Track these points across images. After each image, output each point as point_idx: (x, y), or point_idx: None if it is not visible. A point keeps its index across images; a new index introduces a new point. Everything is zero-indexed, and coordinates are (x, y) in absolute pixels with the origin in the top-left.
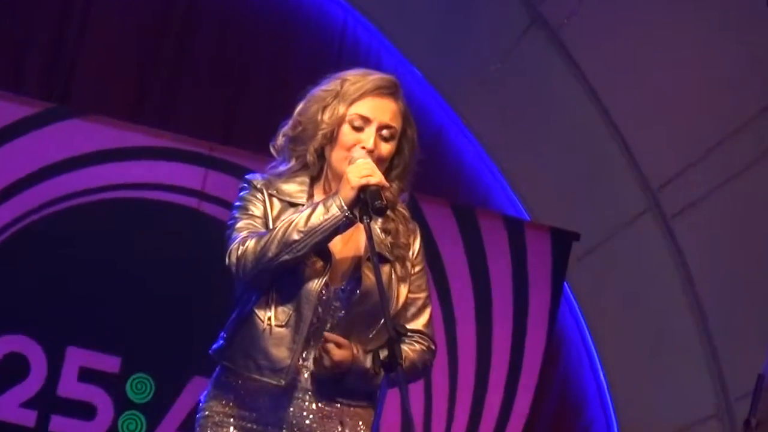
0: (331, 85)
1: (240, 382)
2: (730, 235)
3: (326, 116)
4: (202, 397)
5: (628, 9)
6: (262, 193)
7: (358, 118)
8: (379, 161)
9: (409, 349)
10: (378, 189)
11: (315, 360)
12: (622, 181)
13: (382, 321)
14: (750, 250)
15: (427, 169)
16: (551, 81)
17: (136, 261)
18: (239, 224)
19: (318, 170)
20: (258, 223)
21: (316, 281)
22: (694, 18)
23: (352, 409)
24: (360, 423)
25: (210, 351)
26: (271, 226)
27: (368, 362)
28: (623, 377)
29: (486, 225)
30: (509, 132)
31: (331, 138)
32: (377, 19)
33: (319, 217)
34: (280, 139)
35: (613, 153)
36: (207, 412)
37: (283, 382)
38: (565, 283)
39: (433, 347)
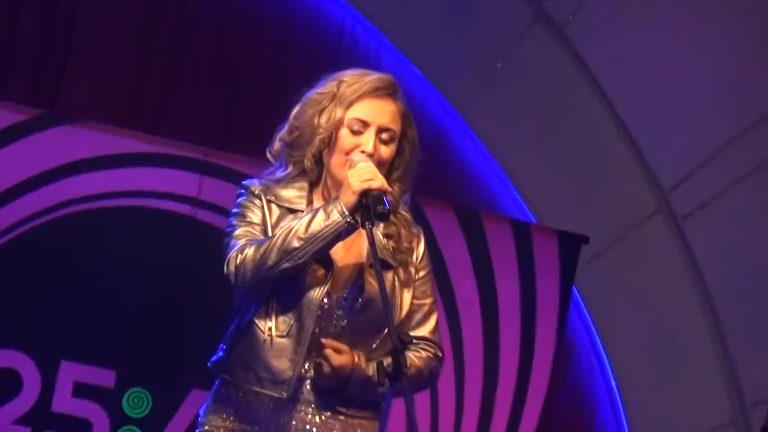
0: (327, 87)
1: (240, 395)
2: (742, 236)
3: (323, 120)
4: (201, 411)
5: (635, 3)
6: (260, 200)
7: (357, 121)
8: (379, 164)
9: (415, 357)
10: (380, 193)
11: (315, 368)
12: (632, 182)
13: (386, 330)
14: (764, 251)
15: (429, 171)
16: (556, 79)
17: (131, 271)
18: (237, 232)
19: (317, 176)
20: (256, 231)
21: (317, 290)
22: (703, 14)
23: (356, 420)
24: None
25: (209, 363)
26: (270, 234)
27: (371, 370)
28: (635, 384)
29: (491, 229)
30: (514, 132)
31: (329, 142)
32: (376, 18)
33: (319, 223)
34: (277, 144)
35: (622, 153)
36: (206, 427)
37: (284, 395)
38: (574, 288)
39: (440, 354)
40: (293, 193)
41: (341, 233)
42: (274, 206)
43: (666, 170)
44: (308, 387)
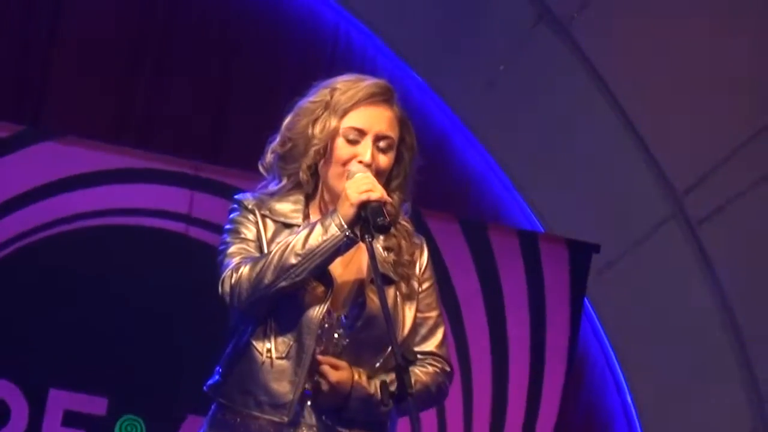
0: (319, 95)
1: (238, 420)
2: (761, 241)
3: (317, 130)
4: None
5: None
6: (254, 214)
7: (352, 130)
8: (378, 174)
9: (421, 372)
10: (380, 205)
11: (312, 387)
12: (644, 187)
13: (390, 348)
14: None
15: (431, 181)
16: (562, 80)
17: (120, 294)
18: (231, 249)
19: (312, 188)
20: (251, 247)
21: (317, 308)
22: (713, 9)
23: None
24: None
25: (204, 387)
26: (265, 250)
27: (372, 387)
28: (652, 398)
29: (497, 240)
30: (519, 138)
31: (325, 153)
32: (372, 21)
33: (317, 238)
34: (269, 157)
35: (633, 156)
36: None
37: (285, 419)
38: (585, 299)
39: (448, 369)
40: (288, 207)
41: (340, 248)
42: (269, 221)
43: (679, 173)
44: (309, 409)
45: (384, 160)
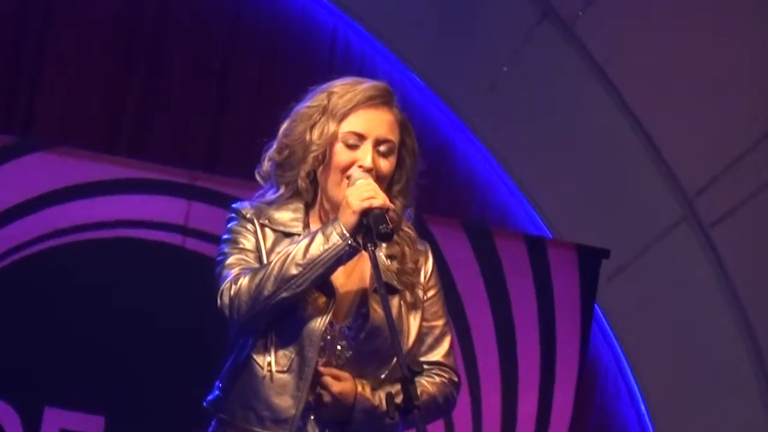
0: (316, 100)
1: None
2: None
3: (315, 136)
4: None
5: None
6: (253, 224)
7: (352, 135)
8: (379, 179)
9: (428, 383)
10: (382, 212)
11: (315, 399)
12: (654, 189)
13: (395, 359)
14: None
15: (435, 187)
16: (568, 81)
17: (116, 309)
18: (229, 260)
19: (312, 196)
20: (250, 258)
21: (319, 320)
22: (722, 9)
23: None
24: None
25: (204, 403)
26: (265, 260)
27: (377, 399)
28: (666, 407)
29: (504, 246)
30: (524, 140)
31: (323, 159)
32: (370, 23)
33: (318, 247)
34: (266, 165)
35: (642, 158)
36: None
37: None
38: (596, 306)
39: (455, 379)
40: (288, 216)
41: (342, 257)
42: (268, 230)
43: (690, 175)
44: (313, 423)
45: (385, 165)
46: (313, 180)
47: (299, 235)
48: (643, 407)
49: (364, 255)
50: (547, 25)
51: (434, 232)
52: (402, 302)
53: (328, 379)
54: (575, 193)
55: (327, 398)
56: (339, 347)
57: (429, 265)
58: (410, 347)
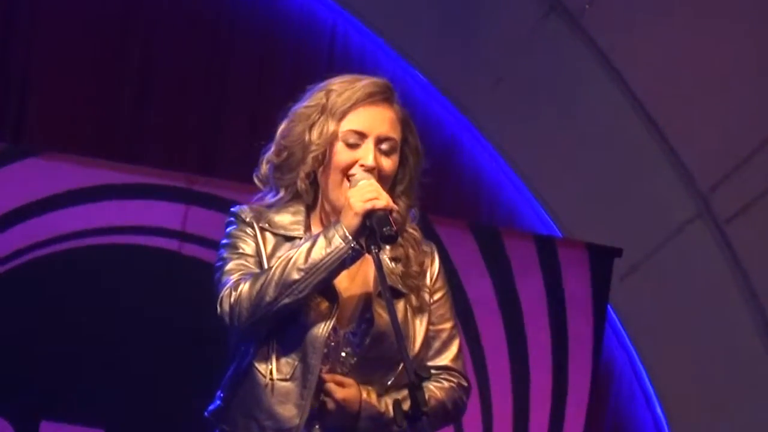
0: (314, 99)
1: None
2: None
3: (314, 136)
4: None
5: None
6: (253, 228)
7: (352, 133)
8: (381, 179)
9: (436, 388)
10: (386, 213)
11: (319, 407)
12: (667, 185)
13: (401, 365)
14: None
15: (440, 186)
16: (576, 76)
17: (113, 318)
18: (229, 266)
19: (312, 198)
20: (250, 263)
21: (322, 326)
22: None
23: None
24: None
25: (206, 413)
26: (265, 265)
27: (383, 405)
28: (682, 409)
29: (513, 246)
30: (532, 137)
31: (323, 160)
32: (370, 20)
33: (320, 251)
34: (264, 168)
35: (654, 153)
36: None
37: None
38: (609, 307)
39: (464, 383)
40: (288, 219)
41: (345, 261)
42: (268, 234)
43: (703, 170)
44: None
45: (387, 164)
46: (313, 181)
47: (300, 238)
48: (659, 410)
49: (368, 258)
50: (554, 18)
51: (440, 233)
52: (407, 306)
53: (331, 386)
54: (585, 191)
55: (331, 405)
56: (343, 354)
57: (435, 267)
58: (417, 352)
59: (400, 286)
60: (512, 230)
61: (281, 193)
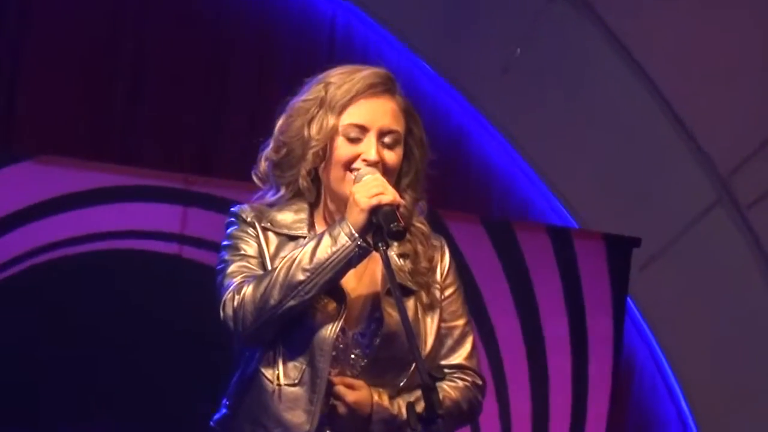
0: (313, 92)
1: None
2: None
3: (314, 131)
4: None
5: None
6: (254, 228)
7: (353, 127)
8: (386, 173)
9: (450, 387)
10: (393, 209)
11: (329, 412)
12: (685, 171)
13: (414, 365)
14: None
15: (450, 180)
16: (586, 60)
17: (111, 326)
18: (231, 268)
19: (314, 196)
20: (253, 264)
21: (329, 327)
22: None
23: None
24: None
25: (211, 422)
26: (269, 267)
27: (395, 408)
28: (708, 402)
29: (526, 239)
30: (543, 125)
31: (324, 156)
32: (371, 7)
33: (326, 250)
34: (263, 165)
35: (671, 138)
36: None
37: None
38: (628, 299)
39: (479, 382)
40: (291, 217)
41: (352, 259)
42: (270, 234)
43: (723, 153)
44: None
45: (391, 157)
46: (315, 178)
47: (304, 237)
48: (683, 404)
49: (375, 256)
50: (560, 1)
51: (451, 228)
52: (418, 304)
53: (341, 389)
54: (600, 179)
55: (342, 409)
56: (353, 356)
57: (445, 262)
58: (429, 351)
59: (409, 284)
60: (526, 223)
61: (282, 191)
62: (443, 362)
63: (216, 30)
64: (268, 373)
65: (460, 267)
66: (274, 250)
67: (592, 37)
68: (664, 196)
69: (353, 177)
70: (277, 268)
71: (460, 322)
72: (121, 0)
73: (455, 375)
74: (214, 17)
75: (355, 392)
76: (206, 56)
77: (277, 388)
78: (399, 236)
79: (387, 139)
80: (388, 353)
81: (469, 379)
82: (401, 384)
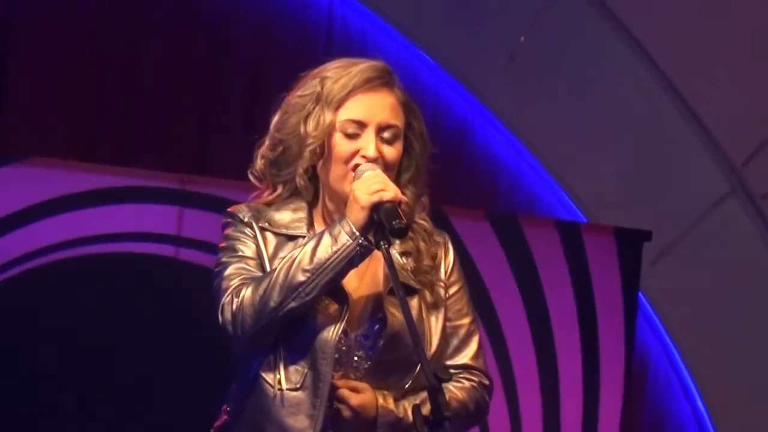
0: (308, 87)
1: None
2: None
3: (311, 128)
4: None
5: None
6: (252, 228)
7: (351, 123)
8: (386, 169)
9: (456, 388)
10: (394, 205)
11: (333, 417)
12: (697, 161)
13: (419, 367)
14: None
15: (454, 175)
16: (594, 48)
17: (106, 331)
18: (228, 270)
19: (312, 194)
20: (251, 266)
21: (331, 329)
22: None
23: None
24: None
25: (211, 429)
26: (268, 268)
27: (401, 410)
28: (724, 400)
29: (534, 235)
30: (550, 117)
31: (322, 153)
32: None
33: (326, 249)
34: (259, 164)
35: (682, 128)
36: None
37: None
38: (640, 294)
39: (486, 382)
40: (289, 217)
41: (354, 258)
42: (269, 234)
43: (735, 143)
44: None
45: (391, 152)
46: (313, 176)
47: (304, 237)
48: (699, 402)
49: (376, 255)
50: None
51: (456, 224)
52: (421, 303)
53: (345, 392)
54: (610, 172)
55: (346, 413)
56: (356, 358)
57: (449, 259)
58: (434, 351)
59: (412, 283)
60: (533, 217)
61: (279, 190)
62: (449, 362)
63: (211, 26)
64: (269, 377)
65: (466, 264)
66: (272, 250)
67: (600, 28)
68: (674, 188)
69: (352, 174)
70: (276, 269)
71: (466, 320)
72: None
73: (461, 375)
74: (209, 13)
75: (360, 395)
76: (201, 53)
77: (278, 392)
78: (401, 234)
79: (386, 134)
80: (393, 354)
81: (475, 379)
82: (406, 386)
